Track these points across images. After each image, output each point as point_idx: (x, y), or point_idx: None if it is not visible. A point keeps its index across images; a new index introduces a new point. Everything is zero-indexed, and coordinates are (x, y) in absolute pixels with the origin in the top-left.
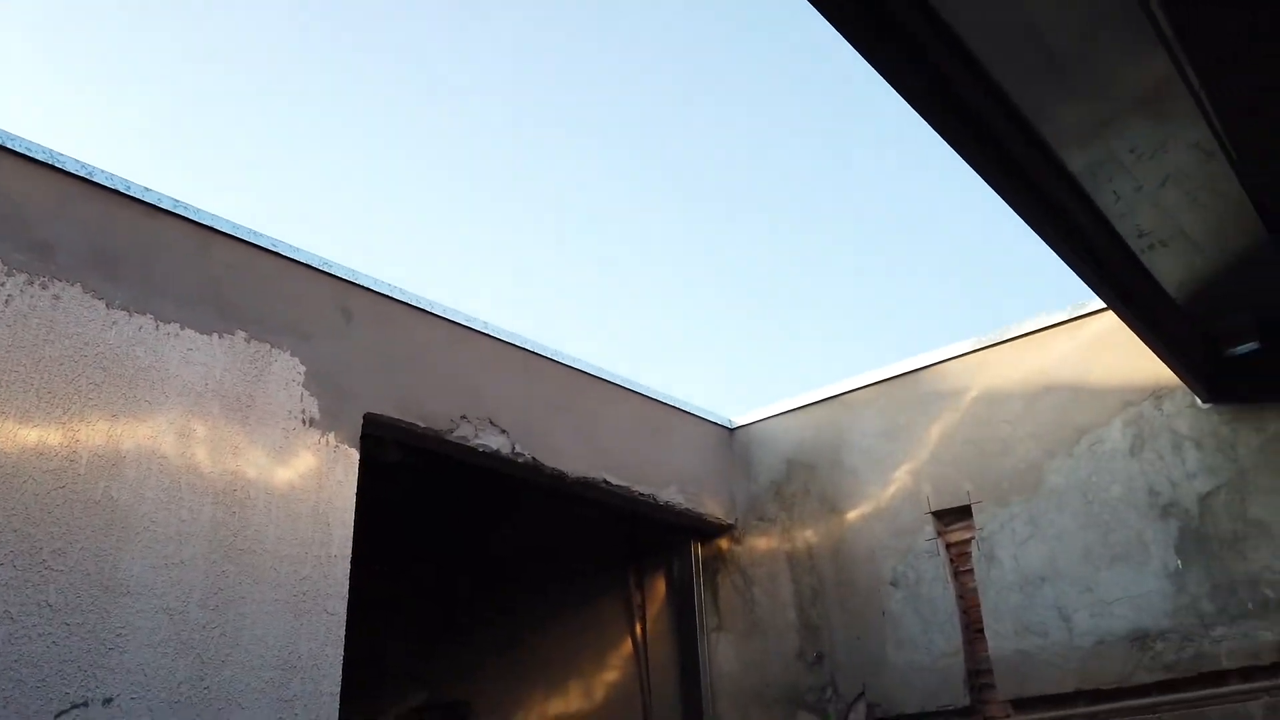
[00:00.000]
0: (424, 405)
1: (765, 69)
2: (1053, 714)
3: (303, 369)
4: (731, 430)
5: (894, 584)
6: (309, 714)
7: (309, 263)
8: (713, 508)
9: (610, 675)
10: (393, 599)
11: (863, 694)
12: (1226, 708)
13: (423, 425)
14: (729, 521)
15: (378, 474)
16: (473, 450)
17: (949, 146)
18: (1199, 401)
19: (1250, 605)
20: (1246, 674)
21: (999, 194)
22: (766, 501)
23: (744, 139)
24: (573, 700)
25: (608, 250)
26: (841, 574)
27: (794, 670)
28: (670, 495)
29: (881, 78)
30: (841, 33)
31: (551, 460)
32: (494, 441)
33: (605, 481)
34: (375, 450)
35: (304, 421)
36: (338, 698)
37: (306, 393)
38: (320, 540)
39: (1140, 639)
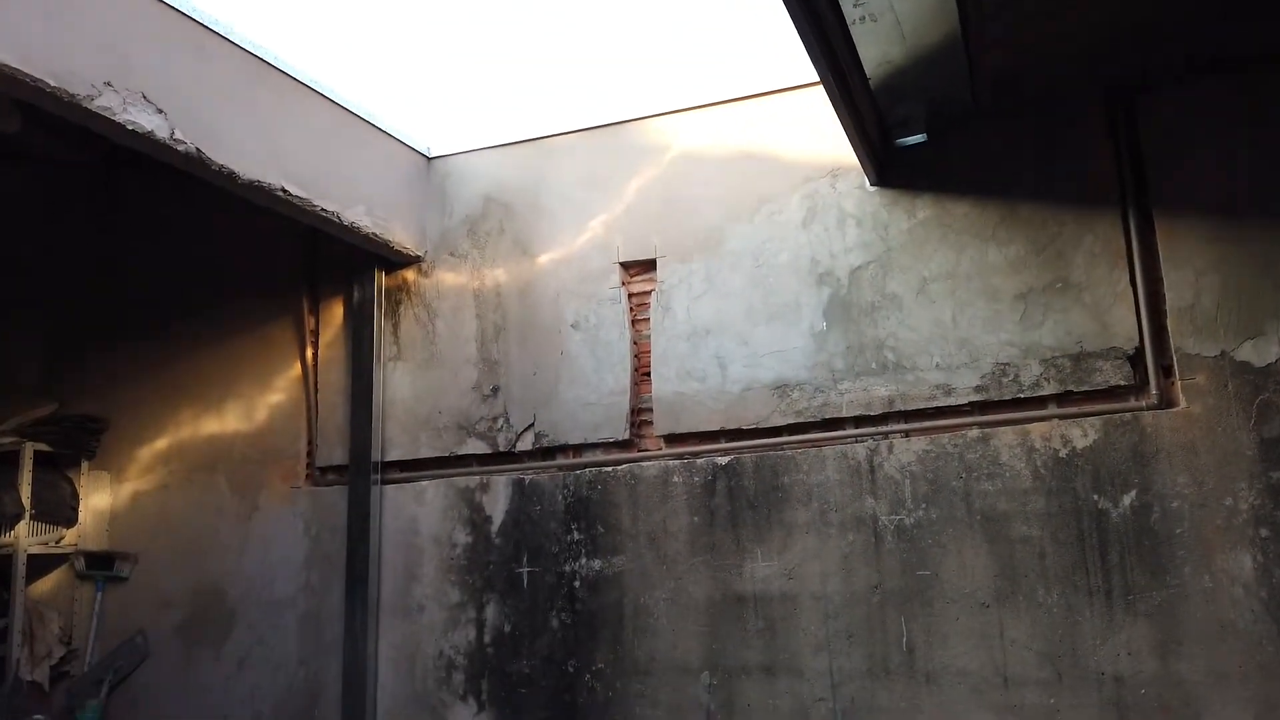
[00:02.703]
0: (54, 59)
1: None
2: (697, 447)
3: None
4: (429, 160)
5: (575, 327)
6: None
7: None
8: (402, 237)
9: (275, 397)
10: (13, 301)
11: (532, 424)
12: (840, 448)
13: (53, 84)
14: (418, 253)
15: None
16: (120, 128)
17: None
18: (867, 184)
19: (873, 365)
20: (859, 421)
21: None
22: (459, 237)
23: None
24: (229, 420)
25: None
26: (526, 314)
27: (468, 401)
28: (357, 217)
29: None
30: None
31: (220, 155)
32: (148, 121)
33: (284, 190)
34: None
35: None
36: None
37: None
38: None
39: (781, 388)
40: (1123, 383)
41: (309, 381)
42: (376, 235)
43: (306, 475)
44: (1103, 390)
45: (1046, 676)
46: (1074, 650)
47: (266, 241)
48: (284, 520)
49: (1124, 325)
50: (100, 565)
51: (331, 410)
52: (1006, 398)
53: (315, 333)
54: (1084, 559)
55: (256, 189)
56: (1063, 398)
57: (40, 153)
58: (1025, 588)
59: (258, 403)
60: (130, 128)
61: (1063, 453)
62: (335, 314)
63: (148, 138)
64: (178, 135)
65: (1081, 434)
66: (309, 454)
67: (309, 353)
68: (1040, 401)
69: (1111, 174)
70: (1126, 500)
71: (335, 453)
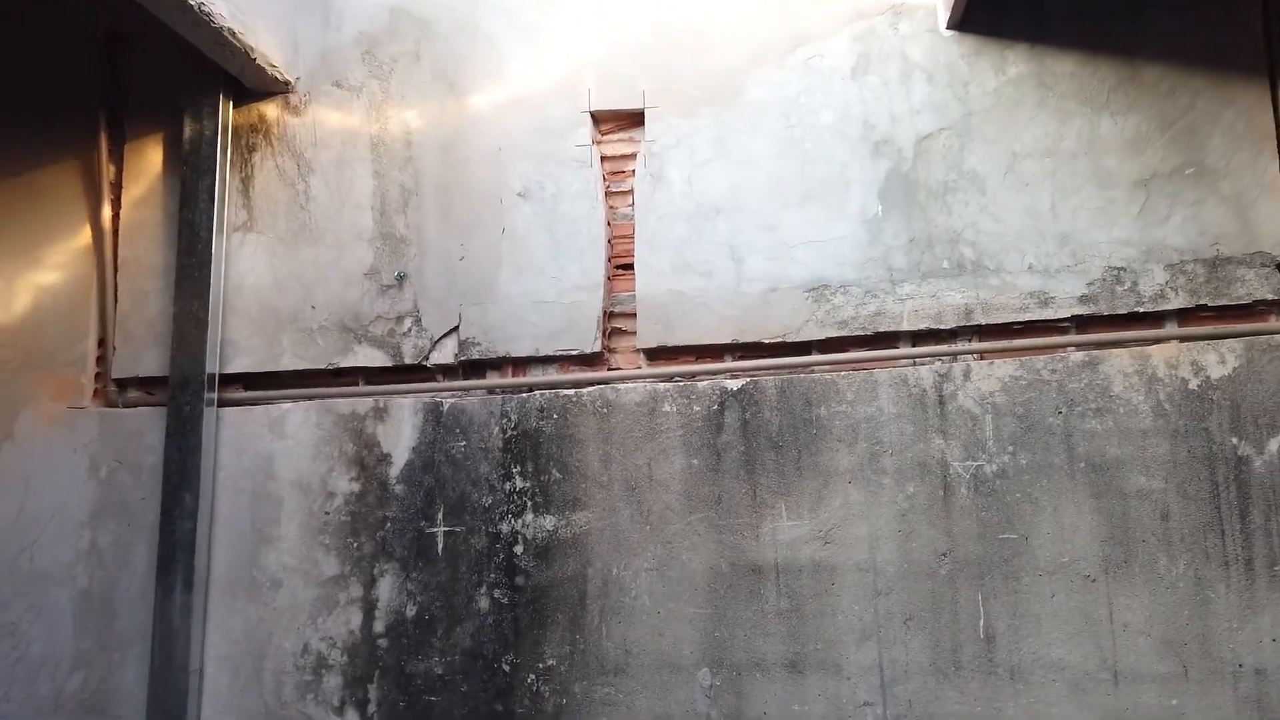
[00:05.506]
0: None
1: None
2: (698, 365)
3: None
4: None
5: (523, 196)
6: None
7: None
8: (269, 47)
9: (46, 276)
10: None
11: (456, 328)
12: (898, 371)
13: None
14: (287, 78)
15: None
16: None
17: None
18: (941, 27)
19: (944, 264)
20: (924, 337)
21: None
22: (350, 62)
23: None
24: None
25: None
26: (451, 175)
27: (359, 293)
28: None
29: None
30: None
31: None
32: None
33: None
34: None
35: None
36: None
37: None
38: None
39: (818, 289)
40: (1271, 296)
41: (103, 255)
42: (236, 34)
43: (96, 391)
44: (1245, 305)
45: (1169, 670)
46: (1204, 636)
47: (39, 43)
48: (55, 454)
49: (1273, 224)
50: None
51: (140, 298)
52: (1120, 311)
53: (117, 185)
54: (1219, 519)
55: None
56: (1193, 313)
57: None
58: (1143, 556)
59: (17, 283)
60: None
61: (1193, 383)
62: (150, 159)
63: None
64: None
65: (1218, 360)
66: (99, 360)
67: (105, 213)
68: (1164, 317)
69: (1259, 37)
70: (1274, 445)
71: (144, 359)
